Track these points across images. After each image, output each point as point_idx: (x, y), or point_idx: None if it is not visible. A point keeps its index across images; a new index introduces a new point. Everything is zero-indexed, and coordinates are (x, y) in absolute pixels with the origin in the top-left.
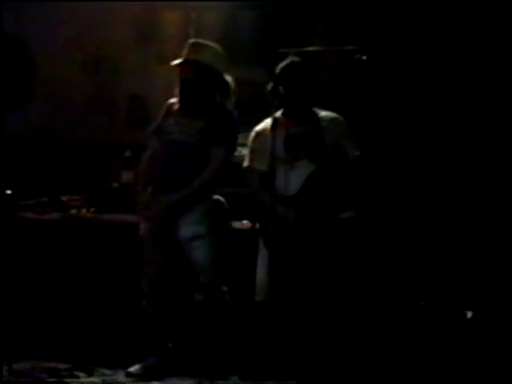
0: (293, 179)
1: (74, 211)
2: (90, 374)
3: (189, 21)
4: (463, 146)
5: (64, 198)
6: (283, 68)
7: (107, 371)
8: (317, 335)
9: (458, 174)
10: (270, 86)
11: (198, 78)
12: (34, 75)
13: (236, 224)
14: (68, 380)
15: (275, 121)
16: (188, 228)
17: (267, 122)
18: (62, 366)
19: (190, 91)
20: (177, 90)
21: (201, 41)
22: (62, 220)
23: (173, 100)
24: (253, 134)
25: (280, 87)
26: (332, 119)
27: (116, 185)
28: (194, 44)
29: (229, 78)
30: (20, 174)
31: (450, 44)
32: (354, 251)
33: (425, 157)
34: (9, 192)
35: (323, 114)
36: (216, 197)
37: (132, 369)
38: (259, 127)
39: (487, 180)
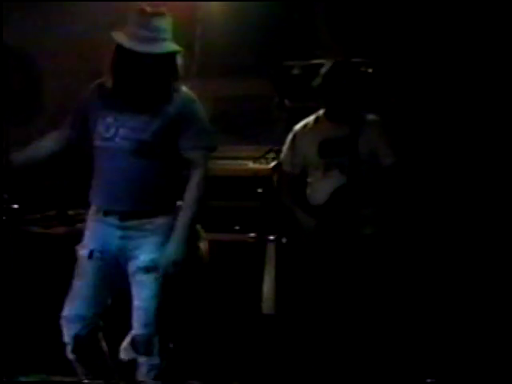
0: (322, 189)
1: (80, 225)
2: None
3: (194, 35)
4: (474, 157)
5: (71, 212)
6: (330, 68)
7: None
8: (327, 349)
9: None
10: (276, 99)
11: (159, 64)
12: (40, 89)
13: (242, 237)
14: None
15: (316, 121)
16: (147, 255)
17: (308, 121)
18: (68, 379)
19: (147, 79)
20: (110, 75)
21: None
22: (68, 234)
23: (96, 85)
24: (291, 133)
25: (286, 100)
26: (372, 122)
27: None
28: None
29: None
30: (26, 188)
31: (456, 54)
32: (374, 268)
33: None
34: (15, 206)
35: (367, 116)
36: None
37: None
38: (299, 126)
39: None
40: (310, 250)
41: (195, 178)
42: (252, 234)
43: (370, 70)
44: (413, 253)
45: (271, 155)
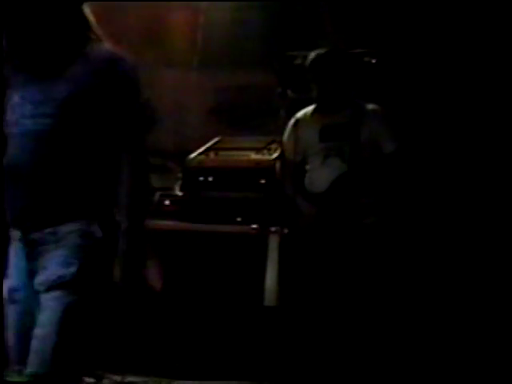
0: (322, 176)
1: None
2: (99, 379)
3: (197, 25)
4: (476, 147)
5: None
6: (312, 61)
7: (117, 377)
8: (330, 341)
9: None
10: (278, 90)
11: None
12: None
13: (245, 228)
14: None
15: (316, 109)
16: (47, 272)
17: (309, 109)
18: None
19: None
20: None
21: None
22: None
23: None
24: (292, 120)
25: (289, 90)
26: (373, 110)
27: None
28: None
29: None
30: None
31: (460, 45)
32: (374, 257)
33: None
34: None
35: (366, 105)
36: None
37: None
38: (300, 114)
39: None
40: (311, 239)
41: (129, 167)
42: (254, 226)
43: (374, 60)
44: (413, 242)
45: (274, 146)
